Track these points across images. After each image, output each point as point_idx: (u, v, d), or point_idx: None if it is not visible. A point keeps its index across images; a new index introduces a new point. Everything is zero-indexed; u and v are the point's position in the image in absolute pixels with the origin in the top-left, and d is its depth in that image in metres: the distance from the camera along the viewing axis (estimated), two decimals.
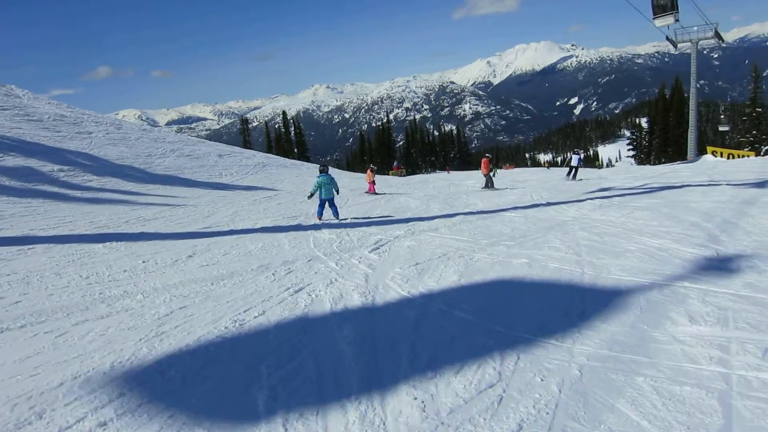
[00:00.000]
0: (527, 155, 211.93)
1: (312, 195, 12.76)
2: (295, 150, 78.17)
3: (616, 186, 18.77)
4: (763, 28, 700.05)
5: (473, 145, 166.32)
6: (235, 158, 31.45)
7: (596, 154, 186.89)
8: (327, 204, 12.67)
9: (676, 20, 40.70)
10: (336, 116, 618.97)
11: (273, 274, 7.00)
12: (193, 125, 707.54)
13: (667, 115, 69.54)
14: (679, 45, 49.40)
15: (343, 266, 7.43)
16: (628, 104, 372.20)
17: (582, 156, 26.96)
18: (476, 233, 9.83)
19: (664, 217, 10.54)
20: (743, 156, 35.93)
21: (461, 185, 24.17)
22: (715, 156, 37.70)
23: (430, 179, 32.26)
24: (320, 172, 12.88)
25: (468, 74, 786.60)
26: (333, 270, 7.21)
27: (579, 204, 13.67)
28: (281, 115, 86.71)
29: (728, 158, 36.33)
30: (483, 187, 21.91)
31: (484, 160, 22.67)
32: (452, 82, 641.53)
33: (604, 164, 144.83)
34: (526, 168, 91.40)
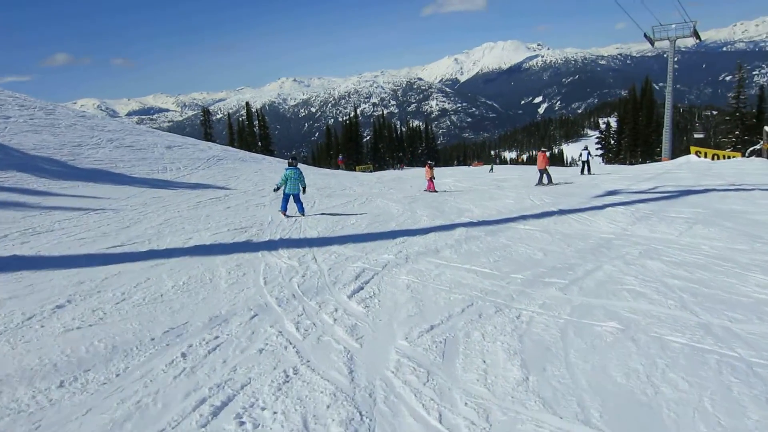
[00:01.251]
0: (493, 152, 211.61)
1: (278, 188, 12.08)
2: (259, 143, 74.23)
3: (620, 189, 16.26)
4: (719, 35, 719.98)
5: (439, 142, 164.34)
6: (186, 150, 27.90)
7: (561, 153, 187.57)
8: (292, 199, 11.91)
9: None
10: (302, 110, 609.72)
11: (183, 354, 3.96)
12: (154, 116, 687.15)
13: (637, 115, 68.55)
14: (656, 43, 48.14)
15: (308, 332, 4.45)
16: (591, 104, 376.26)
17: (589, 151, 26.52)
18: (497, 259, 6.97)
19: (738, 234, 7.90)
20: (729, 156, 34.23)
21: (441, 184, 21.35)
22: (699, 156, 35.95)
23: (404, 176, 29.34)
24: (288, 165, 12.17)
25: (435, 71, 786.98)
26: (291, 341, 4.22)
27: (602, 212, 10.98)
28: (245, 108, 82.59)
29: (713, 158, 34.57)
30: (537, 184, 19.67)
31: (541, 154, 20.38)
32: (420, 79, 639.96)
33: (568, 163, 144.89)
34: (493, 165, 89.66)
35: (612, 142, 76.43)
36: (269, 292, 5.65)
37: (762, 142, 34.91)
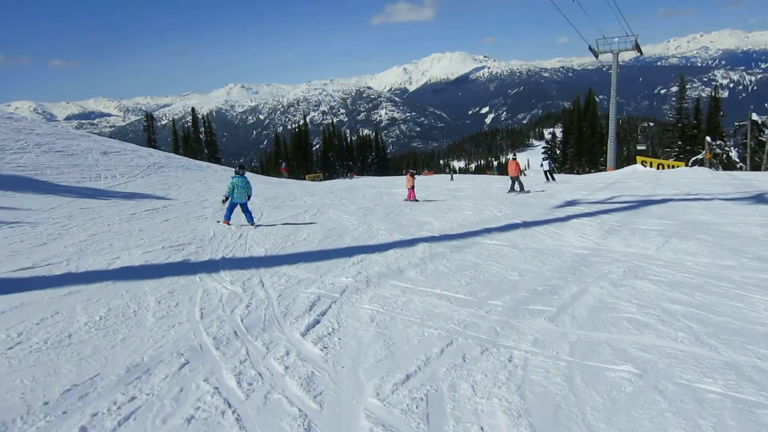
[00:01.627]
0: (441, 162, 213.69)
1: (226, 199, 11.46)
2: (205, 151, 71.86)
3: (578, 199, 15.97)
4: (655, 50, 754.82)
5: (389, 151, 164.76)
6: (124, 157, 26.21)
7: (508, 162, 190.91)
8: (239, 208, 11.42)
9: None
10: (251, 117, 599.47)
11: (83, 430, 2.98)
12: (95, 121, 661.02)
13: (581, 126, 70.30)
14: (600, 56, 49.46)
15: (252, 387, 3.50)
16: (535, 115, 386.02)
17: (550, 161, 29.23)
18: (469, 281, 6.20)
19: (719, 248, 7.44)
20: (674, 166, 35.15)
21: (395, 194, 20.62)
22: (645, 166, 36.96)
23: (356, 186, 28.46)
24: (235, 173, 11.68)
25: (385, 80, 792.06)
26: (231, 403, 3.27)
27: (568, 225, 10.47)
28: (191, 113, 79.85)
29: (658, 168, 35.50)
30: (509, 191, 20.09)
31: (513, 161, 20.69)
32: (369, 87, 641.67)
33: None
34: (444, 174, 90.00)
35: (558, 152, 78.12)
36: (206, 328, 4.68)
37: (704, 152, 36.07)
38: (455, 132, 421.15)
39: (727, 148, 39.25)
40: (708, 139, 36.72)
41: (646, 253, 7.45)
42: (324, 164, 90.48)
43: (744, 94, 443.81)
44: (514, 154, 22.47)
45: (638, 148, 48.18)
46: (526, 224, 10.92)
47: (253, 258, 7.99)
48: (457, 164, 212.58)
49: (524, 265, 7.03)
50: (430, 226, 11.23)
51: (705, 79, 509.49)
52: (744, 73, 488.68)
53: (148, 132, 68.58)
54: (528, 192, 19.61)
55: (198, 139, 72.41)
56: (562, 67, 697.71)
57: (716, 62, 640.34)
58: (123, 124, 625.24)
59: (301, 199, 18.36)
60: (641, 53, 49.47)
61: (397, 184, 29.79)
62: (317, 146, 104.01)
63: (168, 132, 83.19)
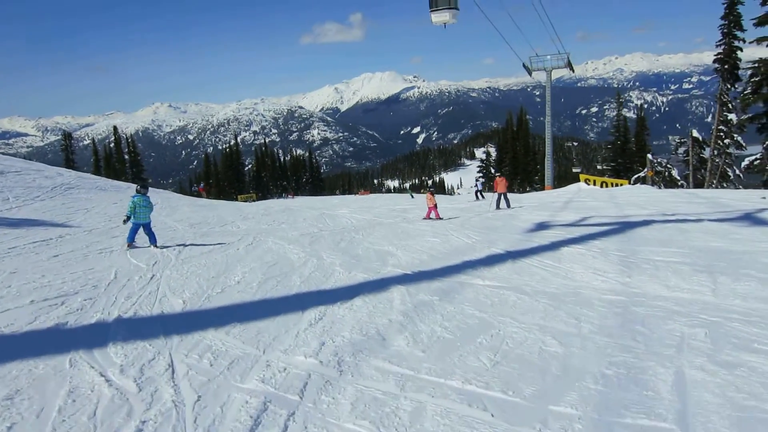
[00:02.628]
0: (376, 181, 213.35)
1: (128, 219, 10.67)
2: (129, 171, 67.00)
3: (546, 221, 14.34)
4: (575, 71, 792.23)
5: (323, 170, 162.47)
6: (25, 177, 22.70)
7: (442, 182, 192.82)
8: (142, 229, 10.63)
9: (454, 19, 40.72)
10: (179, 137, 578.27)
11: None
12: (10, 141, 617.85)
13: (515, 144, 70.72)
14: (534, 74, 49.31)
15: None
16: (465, 135, 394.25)
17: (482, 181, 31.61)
18: (495, 360, 4.11)
19: None
20: (618, 184, 34.88)
21: (338, 216, 18.41)
22: (588, 184, 36.61)
23: (294, 207, 25.96)
24: (136, 192, 10.85)
25: (316, 100, 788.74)
26: None
27: (562, 255, 8.63)
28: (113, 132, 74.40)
29: (602, 186, 35.12)
30: (496, 208, 19.22)
31: (500, 178, 19.99)
32: (301, 107, 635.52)
33: (453, 191, 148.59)
34: (380, 194, 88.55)
35: (493, 171, 78.29)
36: None
37: (646, 170, 36.06)
38: (388, 152, 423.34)
39: (669, 166, 39.54)
40: (649, 156, 36.86)
41: (703, 300, 5.63)
42: (257, 185, 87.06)
43: (657, 114, 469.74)
44: (501, 172, 21.74)
45: (575, 171, 48.47)
46: (511, 255, 9.01)
47: (164, 317, 5.60)
48: (391, 183, 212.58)
49: (553, 324, 5.02)
50: (395, 259, 9.11)
51: (621, 100, 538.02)
52: (656, 94, 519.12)
53: (66, 152, 63.40)
54: (513, 209, 18.71)
55: (121, 159, 67.37)
56: (489, 87, 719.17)
57: (631, 83, 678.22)
58: (41, 144, 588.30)
59: (234, 224, 15.84)
60: (573, 71, 49.68)
61: (337, 204, 27.58)
62: (249, 166, 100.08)
63: (90, 153, 77.38)
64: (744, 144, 35.10)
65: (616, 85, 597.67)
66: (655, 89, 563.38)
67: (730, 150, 35.19)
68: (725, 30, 33.67)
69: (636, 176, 39.20)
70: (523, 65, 48.69)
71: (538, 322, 5.11)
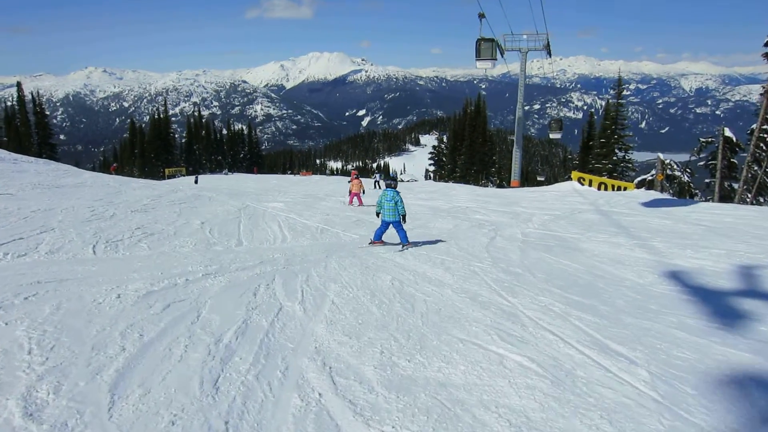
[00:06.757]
0: (318, 161, 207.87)
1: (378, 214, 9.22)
2: (35, 136, 59.43)
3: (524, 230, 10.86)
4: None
5: (263, 147, 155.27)
6: None
7: (387, 166, 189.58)
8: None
9: (494, 67, 39.65)
10: (113, 104, 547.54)
11: None
12: None
13: (473, 133, 67.27)
14: (506, 52, 45.24)
15: None
16: (410, 121, 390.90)
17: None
18: None
19: None
20: (623, 187, 29.45)
21: (265, 216, 14.33)
22: (582, 184, 31.02)
23: (234, 184, 21.27)
24: (386, 186, 9.19)
25: (261, 75, 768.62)
26: None
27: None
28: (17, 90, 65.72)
29: (599, 188, 29.74)
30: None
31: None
32: (244, 81, 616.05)
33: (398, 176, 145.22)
34: (324, 176, 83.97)
35: (444, 159, 74.69)
36: None
37: (655, 172, 31.17)
38: (332, 132, 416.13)
39: (689, 170, 33.66)
40: (660, 156, 31.66)
41: None
42: (188, 158, 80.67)
43: (596, 117, 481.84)
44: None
45: (552, 137, 43.86)
46: (501, 295, 5.36)
47: None
48: (334, 165, 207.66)
49: None
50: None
51: (563, 100, 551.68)
52: (596, 98, 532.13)
53: None
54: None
55: (25, 121, 59.36)
56: (436, 77, 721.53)
57: (573, 85, 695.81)
58: None
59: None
60: (550, 55, 45.41)
61: (272, 188, 23.31)
62: (185, 139, 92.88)
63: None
64: None
65: (558, 85, 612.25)
66: (595, 92, 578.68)
67: None
68: None
69: (640, 179, 33.64)
70: (496, 43, 44.34)
71: None
